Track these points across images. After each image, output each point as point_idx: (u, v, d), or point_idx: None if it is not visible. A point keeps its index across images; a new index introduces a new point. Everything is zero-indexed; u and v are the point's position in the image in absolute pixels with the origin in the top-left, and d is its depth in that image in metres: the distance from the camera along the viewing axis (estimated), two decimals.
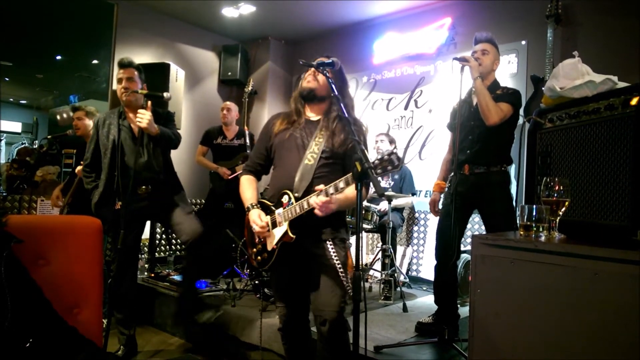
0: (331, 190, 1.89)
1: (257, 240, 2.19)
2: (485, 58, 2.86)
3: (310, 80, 2.16)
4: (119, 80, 2.93)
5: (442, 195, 3.12)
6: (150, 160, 2.97)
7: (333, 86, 2.00)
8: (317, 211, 1.91)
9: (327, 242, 2.07)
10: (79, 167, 3.40)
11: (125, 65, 2.95)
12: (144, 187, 2.96)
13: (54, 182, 4.67)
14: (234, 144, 4.77)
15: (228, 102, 4.83)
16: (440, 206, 3.09)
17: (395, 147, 4.33)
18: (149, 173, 2.96)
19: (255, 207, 2.15)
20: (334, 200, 1.92)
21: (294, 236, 2.02)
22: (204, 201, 5.54)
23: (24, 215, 4.21)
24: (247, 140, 4.69)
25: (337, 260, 2.05)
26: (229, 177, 4.57)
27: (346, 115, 1.93)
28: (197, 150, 4.87)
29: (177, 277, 4.04)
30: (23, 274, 1.36)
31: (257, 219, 2.09)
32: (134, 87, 2.92)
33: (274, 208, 2.12)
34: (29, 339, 1.27)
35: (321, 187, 1.92)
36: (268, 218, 2.12)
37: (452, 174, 2.91)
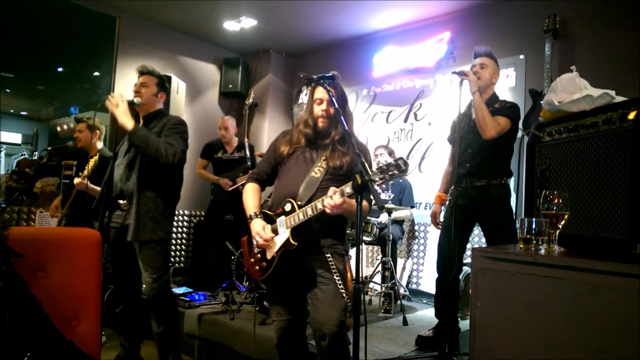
0: (348, 189, 1.90)
1: (255, 249, 2.18)
2: (484, 72, 2.87)
3: (324, 119, 2.16)
4: (135, 86, 2.90)
5: (443, 208, 3.12)
6: (124, 170, 2.72)
7: (334, 99, 2.03)
8: (328, 210, 1.92)
9: (327, 254, 2.08)
10: (77, 180, 3.37)
11: (143, 73, 2.91)
12: (122, 201, 2.74)
13: (53, 194, 4.66)
14: (235, 157, 4.79)
15: (226, 118, 4.84)
16: (441, 219, 3.09)
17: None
18: (119, 185, 2.74)
19: (257, 216, 2.15)
20: (346, 201, 1.92)
21: (295, 243, 2.02)
22: (203, 213, 5.55)
23: (24, 227, 4.20)
24: (247, 152, 4.70)
25: (335, 273, 2.05)
26: (230, 189, 4.57)
27: (345, 126, 1.95)
28: (198, 164, 4.89)
29: (176, 290, 4.02)
30: (22, 288, 1.36)
31: (261, 230, 2.07)
32: (147, 93, 2.84)
33: (275, 217, 2.12)
34: (26, 353, 1.26)
35: (333, 189, 1.92)
36: (269, 226, 2.11)
37: (453, 187, 2.92)
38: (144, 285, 2.73)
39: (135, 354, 2.95)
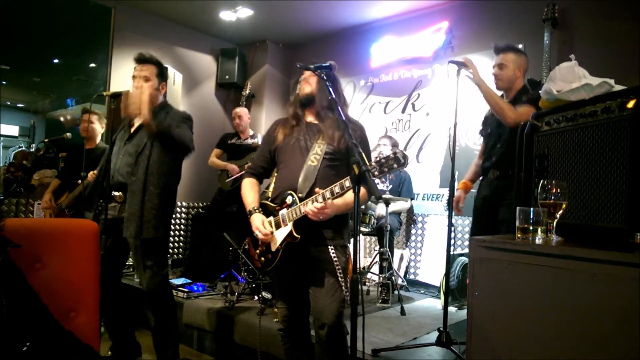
0: (327, 194, 1.92)
1: (260, 242, 2.21)
2: (503, 73, 2.81)
3: (304, 86, 2.21)
4: (133, 77, 2.69)
5: (466, 195, 3.10)
6: (128, 163, 2.61)
7: (330, 89, 2.01)
8: (311, 217, 1.96)
9: (329, 247, 2.10)
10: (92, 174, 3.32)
11: (142, 60, 2.71)
12: (117, 193, 2.64)
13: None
14: (248, 143, 4.79)
15: (238, 109, 4.90)
16: (462, 204, 3.07)
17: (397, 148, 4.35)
18: (119, 178, 2.64)
19: (257, 211, 2.18)
20: (330, 205, 1.95)
21: (298, 236, 2.05)
22: (203, 205, 5.55)
23: (21, 218, 4.19)
24: (260, 142, 4.70)
25: (337, 265, 2.08)
26: (236, 175, 4.56)
27: (342, 117, 1.94)
28: (212, 153, 4.92)
29: (175, 281, 4.03)
30: (19, 278, 1.35)
31: (260, 225, 2.11)
32: (150, 88, 2.67)
33: (277, 209, 2.14)
34: (24, 343, 1.26)
35: (317, 190, 1.97)
36: (272, 219, 2.14)
37: (480, 179, 2.97)
38: (143, 280, 2.68)
39: (131, 341, 2.96)
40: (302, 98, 2.22)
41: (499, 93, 2.85)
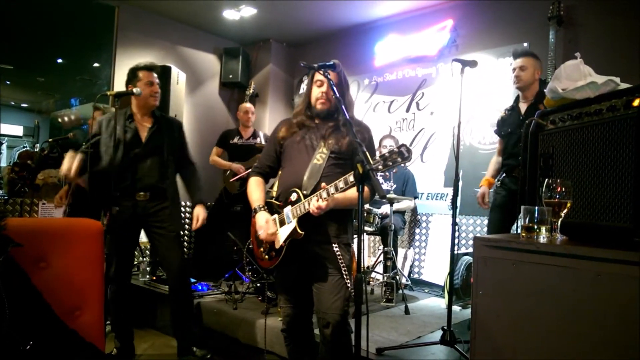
0: (332, 189, 1.93)
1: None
2: (524, 74, 3.05)
3: (324, 101, 2.16)
4: (150, 83, 2.97)
5: (490, 191, 3.32)
6: (156, 167, 2.93)
7: (334, 88, 2.01)
8: (314, 212, 1.96)
9: (333, 244, 2.10)
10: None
11: (153, 68, 3.04)
12: (142, 193, 2.90)
13: (56, 186, 4.66)
14: (250, 143, 4.76)
15: (248, 104, 4.87)
16: (487, 199, 3.31)
17: None
18: (150, 180, 2.91)
19: (262, 209, 2.17)
20: (330, 199, 1.95)
21: (302, 233, 2.03)
22: (209, 204, 5.53)
23: (24, 218, 4.21)
24: (262, 141, 4.69)
25: (342, 263, 2.07)
26: (240, 175, 4.55)
27: (347, 117, 1.94)
28: (212, 152, 4.87)
29: None
30: (22, 277, 1.36)
31: (264, 224, 2.11)
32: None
33: (282, 207, 2.14)
34: (28, 342, 1.26)
35: (323, 185, 1.96)
36: (276, 216, 2.14)
37: (503, 175, 3.19)
38: (175, 261, 2.97)
39: (129, 343, 2.98)
40: (320, 113, 2.19)
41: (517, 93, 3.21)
